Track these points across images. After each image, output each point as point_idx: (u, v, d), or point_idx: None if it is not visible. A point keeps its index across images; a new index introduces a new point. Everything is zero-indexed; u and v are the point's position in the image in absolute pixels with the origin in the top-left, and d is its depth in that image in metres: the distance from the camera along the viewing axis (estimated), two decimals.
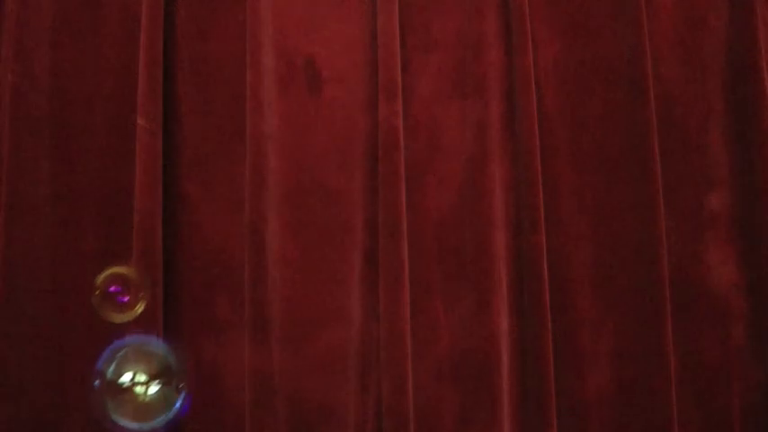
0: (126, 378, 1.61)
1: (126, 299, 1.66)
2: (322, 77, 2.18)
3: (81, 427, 2.09)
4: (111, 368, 1.61)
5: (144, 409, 1.61)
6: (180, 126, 2.16)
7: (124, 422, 1.61)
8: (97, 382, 1.61)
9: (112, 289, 1.67)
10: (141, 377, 1.61)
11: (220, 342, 2.11)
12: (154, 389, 1.62)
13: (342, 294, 2.11)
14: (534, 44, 2.18)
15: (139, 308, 1.67)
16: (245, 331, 2.07)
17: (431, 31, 2.20)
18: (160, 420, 1.62)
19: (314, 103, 2.17)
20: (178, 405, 1.62)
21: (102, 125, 2.17)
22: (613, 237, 2.15)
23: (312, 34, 2.19)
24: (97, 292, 1.66)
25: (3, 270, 2.10)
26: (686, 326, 2.14)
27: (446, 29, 2.20)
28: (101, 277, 1.68)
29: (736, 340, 2.15)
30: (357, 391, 2.08)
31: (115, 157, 2.14)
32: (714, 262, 2.17)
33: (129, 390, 1.60)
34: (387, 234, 2.07)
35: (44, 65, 2.18)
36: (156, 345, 1.72)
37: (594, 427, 2.11)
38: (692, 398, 2.13)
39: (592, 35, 2.20)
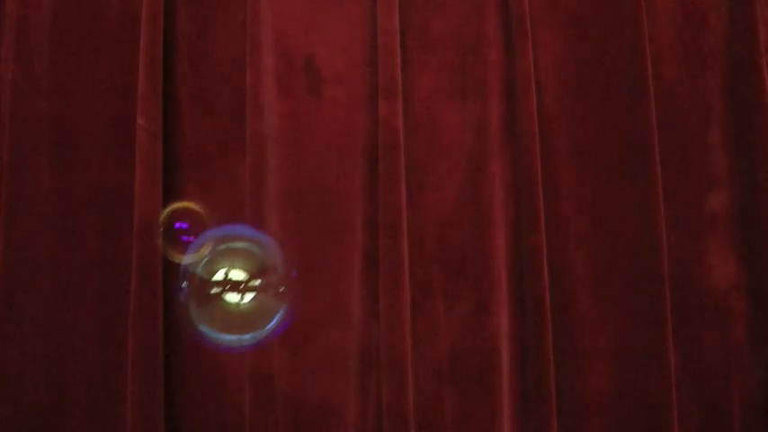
0: (218, 279, 1.36)
1: (192, 238, 1.44)
2: (322, 77, 2.18)
3: (81, 427, 2.09)
4: (201, 266, 1.37)
5: (239, 317, 1.35)
6: (180, 126, 2.16)
7: (214, 333, 1.36)
8: (185, 284, 1.37)
9: (178, 226, 1.45)
10: (237, 278, 1.36)
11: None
12: (251, 293, 1.35)
13: (342, 294, 2.11)
14: (534, 44, 2.18)
15: (207, 249, 1.42)
16: None
17: (431, 31, 2.20)
18: (256, 334, 1.37)
19: (314, 103, 2.17)
20: (279, 316, 1.35)
21: (102, 125, 2.17)
22: (613, 237, 2.15)
23: (312, 34, 2.19)
24: (161, 230, 1.44)
25: (3, 270, 2.10)
26: (686, 326, 2.14)
27: (446, 29, 2.20)
28: (165, 213, 1.46)
29: (736, 340, 2.15)
30: (357, 392, 2.08)
31: (115, 157, 2.15)
32: (714, 262, 2.17)
33: (221, 294, 1.35)
34: (387, 234, 2.07)
35: (44, 65, 2.18)
36: (257, 239, 1.43)
37: (594, 426, 2.11)
38: (692, 398, 2.13)
39: (592, 35, 2.20)
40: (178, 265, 2.08)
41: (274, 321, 1.36)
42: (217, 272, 1.36)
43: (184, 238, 1.43)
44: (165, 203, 2.09)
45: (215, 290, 1.35)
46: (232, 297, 1.35)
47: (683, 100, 2.21)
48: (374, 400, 2.07)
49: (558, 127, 2.18)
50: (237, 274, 1.35)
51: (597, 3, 2.21)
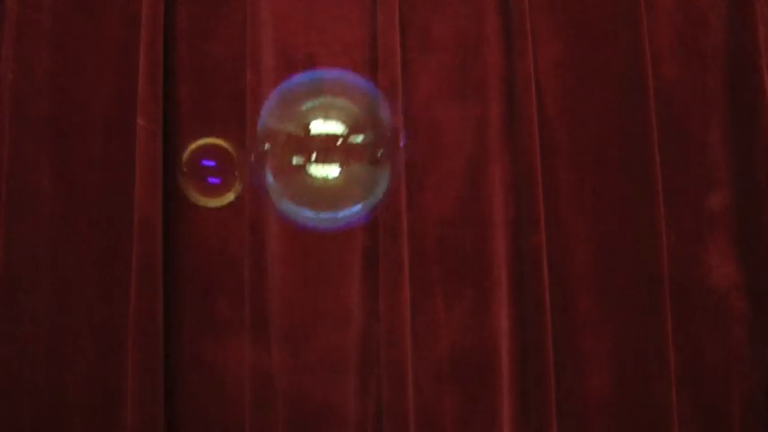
0: (302, 144, 1.05)
1: (218, 180, 1.26)
2: None
3: (81, 427, 2.09)
4: (288, 122, 1.07)
5: (330, 188, 1.05)
6: (180, 126, 2.16)
7: (295, 209, 1.09)
8: (266, 146, 1.09)
9: (203, 164, 1.27)
10: (332, 133, 1.05)
11: (221, 342, 2.11)
12: (341, 162, 1.04)
13: (342, 294, 2.11)
14: (534, 44, 2.18)
15: (234, 192, 1.25)
16: (245, 331, 2.07)
17: (431, 32, 2.20)
18: (352, 210, 1.08)
19: None
20: (382, 188, 1.06)
21: (102, 125, 2.16)
22: (613, 237, 2.15)
23: (312, 34, 2.19)
24: (184, 169, 1.26)
25: (3, 270, 2.10)
26: (686, 326, 2.14)
27: (446, 29, 2.20)
28: (189, 150, 1.27)
29: (736, 340, 2.15)
30: (357, 391, 2.08)
31: (115, 158, 2.14)
32: (714, 262, 2.17)
33: (306, 164, 1.05)
34: (387, 234, 2.07)
35: (44, 65, 2.17)
36: (350, 89, 1.10)
37: (594, 426, 2.11)
38: (691, 398, 2.13)
39: (592, 35, 2.20)
40: (178, 264, 2.10)
41: (371, 196, 1.06)
42: (309, 127, 1.05)
43: (211, 179, 1.25)
44: (165, 203, 2.09)
45: (298, 159, 1.07)
46: (318, 168, 1.05)
47: (683, 100, 2.21)
48: (374, 400, 2.07)
49: (558, 127, 2.18)
50: (325, 135, 1.04)
51: (597, 3, 2.21)
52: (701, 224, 2.18)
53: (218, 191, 1.26)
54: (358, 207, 1.07)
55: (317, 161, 1.05)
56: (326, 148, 1.04)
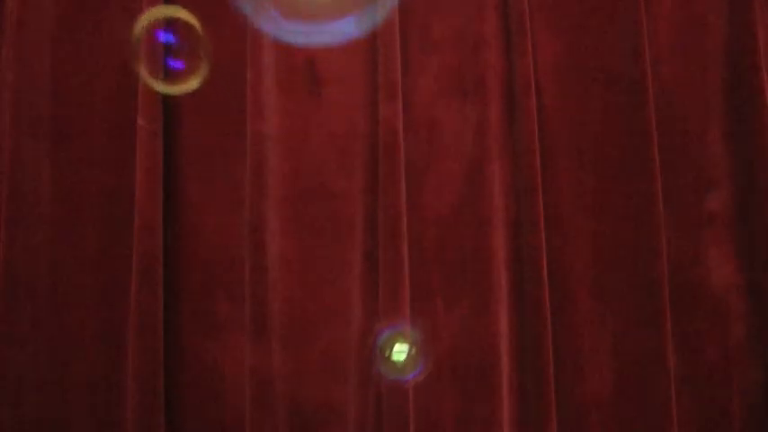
0: None
1: (180, 64, 1.02)
2: (322, 77, 2.18)
3: (81, 427, 2.08)
4: None
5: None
6: (180, 126, 2.16)
7: (282, 22, 0.96)
8: None
9: (162, 42, 1.03)
10: None
11: (220, 342, 2.11)
12: None
13: (342, 294, 2.11)
14: (534, 44, 2.18)
15: (198, 77, 1.04)
16: (245, 331, 2.07)
17: (431, 32, 2.20)
18: (351, 21, 0.91)
19: (314, 104, 2.17)
20: None
21: (103, 125, 2.16)
22: (613, 237, 2.15)
23: None
24: (139, 49, 0.97)
25: (3, 270, 2.10)
26: (686, 326, 2.14)
27: (446, 29, 2.20)
28: (143, 24, 0.98)
29: (736, 340, 2.15)
30: (357, 391, 2.08)
31: (115, 158, 2.14)
32: (714, 262, 2.17)
33: None
34: (387, 234, 2.07)
35: (44, 65, 2.17)
36: None
37: (594, 427, 2.11)
38: (691, 398, 2.13)
39: (592, 35, 2.20)
40: (178, 264, 2.10)
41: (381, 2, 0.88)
42: None
43: (171, 62, 1.01)
44: (166, 204, 2.09)
45: None
46: None
47: (682, 100, 2.21)
48: (374, 400, 2.07)
49: (557, 127, 2.18)
50: None
51: (597, 3, 2.21)
52: (701, 224, 2.18)
53: (179, 76, 1.04)
54: (359, 16, 0.87)
55: None
56: None
